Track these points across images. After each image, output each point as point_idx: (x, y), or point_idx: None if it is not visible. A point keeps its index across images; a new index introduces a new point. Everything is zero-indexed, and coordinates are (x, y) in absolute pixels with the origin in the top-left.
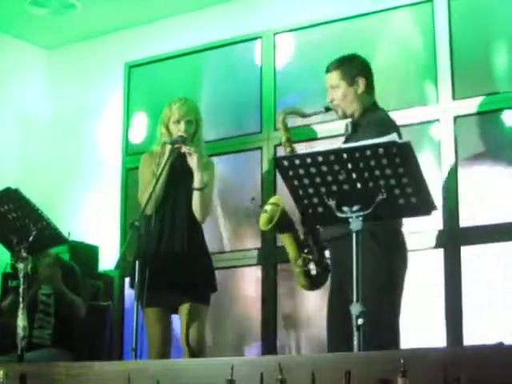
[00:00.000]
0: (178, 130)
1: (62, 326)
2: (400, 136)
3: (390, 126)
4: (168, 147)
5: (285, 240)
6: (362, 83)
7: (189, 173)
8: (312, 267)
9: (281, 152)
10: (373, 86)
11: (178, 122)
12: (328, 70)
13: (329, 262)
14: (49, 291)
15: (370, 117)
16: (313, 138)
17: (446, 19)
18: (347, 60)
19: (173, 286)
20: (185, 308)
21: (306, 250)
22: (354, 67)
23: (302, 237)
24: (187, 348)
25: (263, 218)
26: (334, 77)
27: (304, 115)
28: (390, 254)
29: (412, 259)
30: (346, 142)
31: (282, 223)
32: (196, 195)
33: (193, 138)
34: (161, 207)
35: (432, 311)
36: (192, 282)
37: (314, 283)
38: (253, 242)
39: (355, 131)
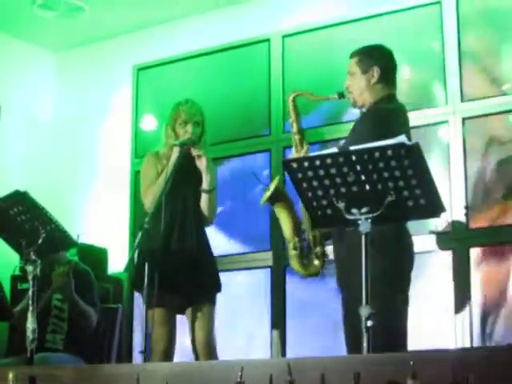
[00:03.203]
0: (185, 131)
1: (74, 332)
2: (409, 134)
3: (387, 120)
4: (177, 149)
5: (280, 216)
6: (376, 73)
7: (195, 174)
8: (306, 254)
9: (290, 154)
10: (392, 78)
11: (185, 124)
12: (350, 56)
13: (327, 251)
14: (63, 296)
15: (375, 107)
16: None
17: (455, 20)
18: (369, 48)
19: (180, 288)
20: (193, 310)
21: (303, 236)
22: (372, 56)
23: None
24: (197, 349)
25: (265, 195)
26: (353, 63)
27: (314, 97)
28: (396, 254)
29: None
30: (350, 133)
31: (275, 194)
32: (205, 197)
33: (199, 140)
34: (169, 208)
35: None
36: (199, 284)
37: (306, 270)
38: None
39: (359, 123)
